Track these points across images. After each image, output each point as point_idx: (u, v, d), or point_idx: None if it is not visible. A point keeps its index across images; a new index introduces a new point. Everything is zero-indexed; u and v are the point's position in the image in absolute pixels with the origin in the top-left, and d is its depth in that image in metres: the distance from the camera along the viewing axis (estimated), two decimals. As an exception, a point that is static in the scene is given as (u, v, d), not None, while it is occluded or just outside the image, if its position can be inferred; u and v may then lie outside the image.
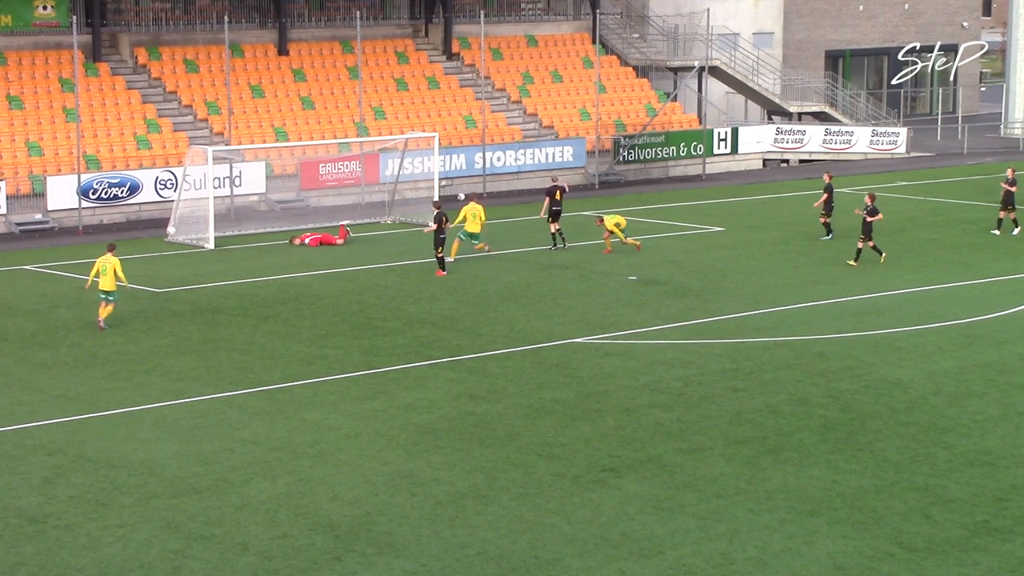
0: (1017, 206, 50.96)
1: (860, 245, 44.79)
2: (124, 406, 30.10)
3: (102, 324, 36.72)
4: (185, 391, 31.20)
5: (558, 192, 48.40)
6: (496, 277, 43.33)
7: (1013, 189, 50.27)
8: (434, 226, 43.56)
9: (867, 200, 44.92)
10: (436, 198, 49.12)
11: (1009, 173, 50.83)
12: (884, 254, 45.09)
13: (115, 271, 36.63)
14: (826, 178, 49.94)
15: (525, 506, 24.25)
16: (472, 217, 45.51)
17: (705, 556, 22.21)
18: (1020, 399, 30.50)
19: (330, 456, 26.80)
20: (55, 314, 38.65)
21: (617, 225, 46.38)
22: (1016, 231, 50.21)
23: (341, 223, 50.21)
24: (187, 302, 40.06)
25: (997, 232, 50.37)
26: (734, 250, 47.92)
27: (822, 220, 49.54)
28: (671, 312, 38.69)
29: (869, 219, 44.52)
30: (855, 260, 44.68)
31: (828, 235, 49.25)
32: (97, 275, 36.95)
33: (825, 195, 49.29)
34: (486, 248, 46.20)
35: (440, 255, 43.58)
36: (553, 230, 47.93)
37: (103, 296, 36.76)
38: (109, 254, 36.93)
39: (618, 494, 24.81)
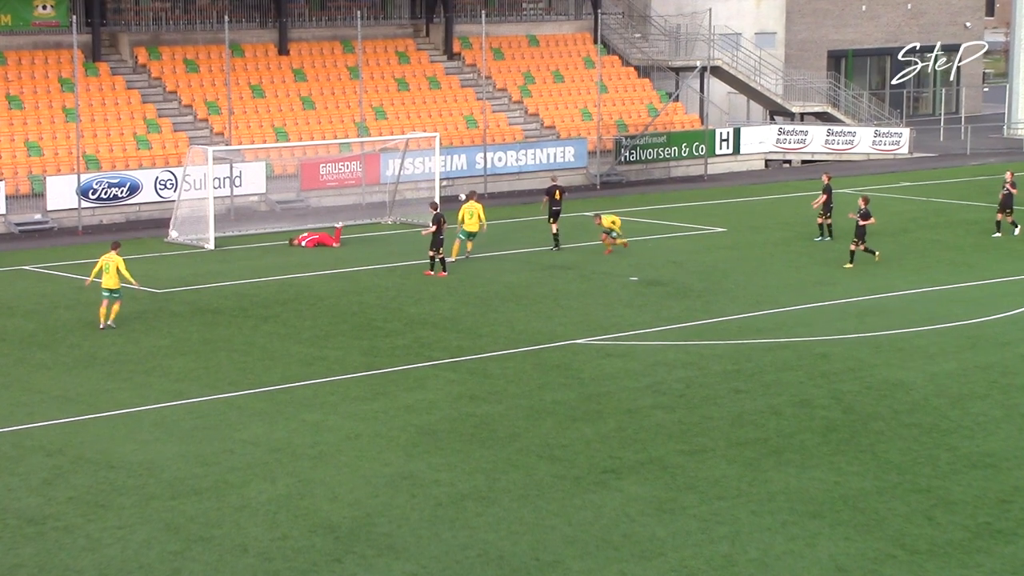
0: (1016, 207, 50.77)
1: (853, 248, 44.67)
2: (123, 407, 30.01)
3: (111, 323, 36.61)
4: (185, 392, 31.11)
5: (557, 192, 48.34)
6: (497, 278, 43.23)
7: (1015, 192, 50.14)
8: (433, 227, 43.39)
9: (860, 203, 44.84)
10: (436, 199, 48.93)
11: (1008, 176, 50.72)
12: (878, 252, 44.97)
13: (118, 269, 36.53)
14: (825, 179, 49.83)
15: (526, 508, 24.16)
16: (469, 216, 45.45)
17: (707, 558, 22.13)
18: (1022, 401, 30.39)
19: (330, 457, 26.71)
20: (54, 314, 38.55)
21: (613, 223, 46.38)
22: (1016, 231, 50.05)
23: (337, 225, 49.81)
24: (187, 302, 39.95)
25: (998, 235, 50.19)
26: (736, 251, 47.82)
27: (819, 221, 49.35)
28: (673, 313, 38.59)
29: (862, 222, 44.40)
30: (850, 263, 44.54)
31: (820, 237, 49.09)
32: (99, 274, 36.86)
33: (824, 196, 49.15)
34: (466, 251, 45.93)
35: (437, 256, 43.29)
36: (554, 230, 47.83)
37: (106, 295, 36.67)
38: (113, 252, 36.84)
39: (619, 496, 24.73)
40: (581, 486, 25.21)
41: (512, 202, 58.46)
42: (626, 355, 34.14)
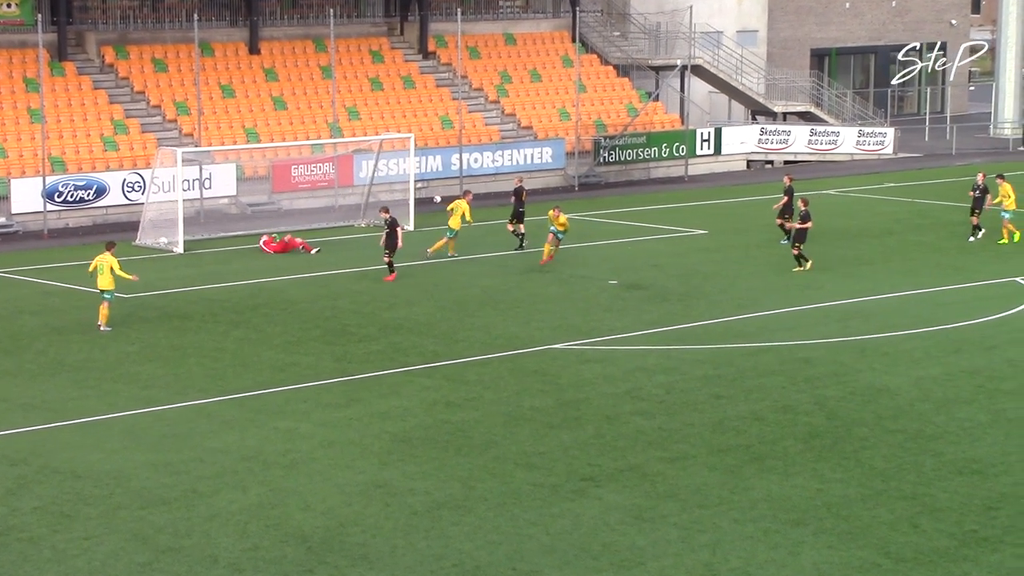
0: (984, 208, 50.09)
1: (796, 252, 44.16)
2: (91, 415, 29.76)
3: (107, 327, 36.49)
4: (153, 399, 30.86)
5: (524, 193, 48.34)
6: (473, 281, 42.96)
7: (988, 195, 49.76)
8: (401, 231, 42.82)
9: (800, 205, 44.39)
10: (411, 203, 48.46)
11: (979, 178, 50.34)
12: (801, 269, 44.03)
13: (111, 269, 36.42)
14: (786, 181, 49.59)
15: (502, 516, 24.01)
16: (453, 212, 45.34)
17: (687, 567, 22.00)
18: (1009, 406, 30.31)
19: (302, 465, 26.53)
20: (19, 320, 38.20)
21: (563, 225, 45.55)
22: (979, 236, 49.36)
23: (299, 242, 48.56)
24: (155, 307, 39.63)
25: (980, 235, 49.70)
26: (717, 253, 47.69)
27: (778, 222, 48.76)
28: (652, 317, 38.40)
29: (800, 225, 43.93)
30: (806, 265, 43.76)
31: (786, 240, 48.65)
32: (94, 272, 36.72)
33: (785, 198, 48.74)
34: (427, 251, 45.53)
35: (388, 259, 42.69)
36: (521, 230, 47.68)
37: (105, 296, 36.56)
38: (107, 253, 36.76)
39: (598, 504, 24.58)
40: (559, 494, 25.03)
41: (488, 204, 58.04)
42: (605, 360, 33.93)
